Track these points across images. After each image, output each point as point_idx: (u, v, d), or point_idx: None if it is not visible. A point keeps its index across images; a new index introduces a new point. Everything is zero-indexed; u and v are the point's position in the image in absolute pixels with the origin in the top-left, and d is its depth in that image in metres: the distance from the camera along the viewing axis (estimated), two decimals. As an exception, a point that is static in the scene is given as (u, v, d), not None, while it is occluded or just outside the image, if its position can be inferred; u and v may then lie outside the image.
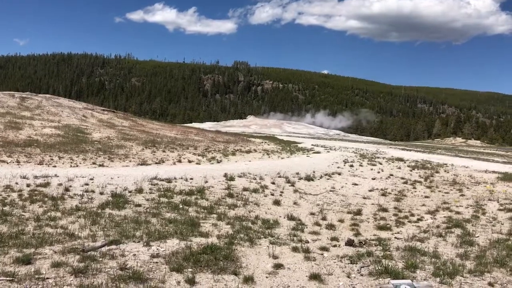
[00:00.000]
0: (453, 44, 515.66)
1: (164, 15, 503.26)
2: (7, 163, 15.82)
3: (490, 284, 5.87)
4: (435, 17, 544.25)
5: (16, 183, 11.57)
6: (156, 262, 6.14)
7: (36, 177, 12.65)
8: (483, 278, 6.08)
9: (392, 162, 25.61)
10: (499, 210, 11.50)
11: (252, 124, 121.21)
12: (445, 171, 21.60)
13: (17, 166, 15.47)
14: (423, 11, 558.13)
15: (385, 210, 12.11)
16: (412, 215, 11.59)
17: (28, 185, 11.45)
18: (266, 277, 5.97)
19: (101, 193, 11.15)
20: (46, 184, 11.70)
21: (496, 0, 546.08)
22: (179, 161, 20.71)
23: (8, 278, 5.22)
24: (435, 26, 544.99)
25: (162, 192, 11.77)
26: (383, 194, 14.63)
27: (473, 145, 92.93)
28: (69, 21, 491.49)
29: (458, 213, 11.42)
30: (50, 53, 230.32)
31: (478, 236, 8.68)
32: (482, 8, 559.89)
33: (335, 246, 7.89)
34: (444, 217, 10.96)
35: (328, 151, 33.67)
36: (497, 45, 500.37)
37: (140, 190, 11.81)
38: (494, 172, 21.15)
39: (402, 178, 18.39)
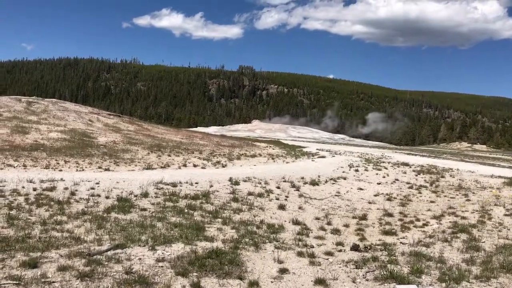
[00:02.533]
0: (459, 49, 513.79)
1: (171, 20, 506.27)
2: (14, 167, 15.92)
3: (496, 289, 5.84)
4: (441, 22, 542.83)
5: (23, 187, 11.64)
6: (162, 266, 6.16)
7: (42, 181, 12.73)
8: (489, 283, 6.04)
9: (398, 166, 25.53)
10: (505, 215, 11.44)
11: (257, 128, 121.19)
12: (450, 176, 21.51)
13: (23, 170, 15.56)
14: (429, 16, 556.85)
15: (390, 215, 12.07)
16: (418, 220, 11.54)
17: (34, 189, 11.52)
18: (271, 281, 5.97)
19: (107, 197, 11.20)
20: (52, 188, 11.77)
21: (504, 6, 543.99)
22: (185, 165, 20.75)
23: (14, 282, 5.26)
24: (441, 31, 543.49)
25: (168, 196, 11.80)
26: (389, 199, 14.59)
27: (479, 149, 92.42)
28: (77, 26, 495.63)
29: (463, 218, 11.36)
30: (56, 57, 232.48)
31: (484, 242, 8.64)
32: (489, 13, 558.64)
33: (340, 251, 7.87)
34: (450, 222, 10.92)
35: (333, 156, 33.62)
36: (503, 50, 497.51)
37: (145, 194, 11.85)
38: (500, 177, 21.05)
39: (408, 183, 18.33)
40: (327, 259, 7.19)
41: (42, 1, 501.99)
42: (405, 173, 22.18)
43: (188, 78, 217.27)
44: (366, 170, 22.60)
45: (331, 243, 8.54)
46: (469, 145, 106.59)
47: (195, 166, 20.86)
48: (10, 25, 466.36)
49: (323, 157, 31.64)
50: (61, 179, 13.32)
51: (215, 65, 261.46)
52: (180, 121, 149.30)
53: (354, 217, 11.60)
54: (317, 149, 42.45)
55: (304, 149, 40.23)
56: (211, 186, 13.97)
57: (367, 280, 6.12)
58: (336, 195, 14.69)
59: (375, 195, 15.22)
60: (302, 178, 17.35)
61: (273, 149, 37.00)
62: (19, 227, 7.90)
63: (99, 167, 17.71)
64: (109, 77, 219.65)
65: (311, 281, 6.02)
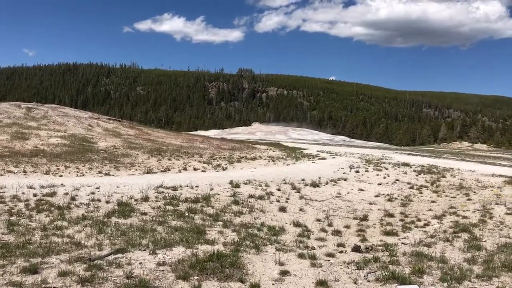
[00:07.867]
0: (459, 49, 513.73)
1: (171, 25, 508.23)
2: (14, 173, 15.92)
3: (498, 288, 5.82)
4: (442, 22, 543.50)
5: (23, 193, 11.63)
6: (162, 270, 6.15)
7: (42, 186, 12.72)
8: (491, 282, 6.02)
9: (398, 167, 25.52)
10: (507, 214, 11.41)
11: (257, 131, 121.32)
12: (451, 175, 21.48)
13: (23, 176, 15.56)
14: (430, 17, 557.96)
15: (391, 215, 12.04)
16: (419, 220, 11.51)
17: (34, 195, 11.50)
18: (273, 284, 5.96)
19: (107, 202, 11.18)
20: (53, 194, 11.75)
21: (506, 5, 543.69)
22: (185, 169, 20.74)
23: (15, 288, 5.24)
24: (442, 31, 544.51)
25: (168, 200, 11.79)
26: (389, 200, 14.56)
27: (479, 149, 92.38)
28: (78, 31, 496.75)
29: (465, 217, 11.33)
30: (55, 63, 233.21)
31: (485, 241, 8.62)
32: (491, 14, 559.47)
33: (341, 252, 7.86)
34: (451, 221, 10.89)
35: (334, 157, 33.63)
36: (504, 49, 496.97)
37: (146, 199, 11.83)
38: (501, 176, 21.02)
39: (408, 183, 18.31)
40: (328, 260, 7.17)
41: (43, 6, 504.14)
42: (405, 173, 22.16)
43: (187, 81, 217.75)
44: (366, 171, 22.59)
45: (332, 244, 8.52)
46: (470, 144, 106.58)
47: (195, 169, 20.85)
48: (11, 31, 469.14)
49: (324, 158, 31.64)
50: (61, 184, 13.31)
51: (215, 69, 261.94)
52: (180, 125, 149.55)
53: (355, 218, 11.58)
54: (317, 151, 42.48)
55: (305, 151, 40.24)
56: (211, 189, 13.96)
57: (368, 281, 6.10)
58: (336, 197, 14.67)
59: (376, 196, 15.20)
60: (303, 180, 17.33)
61: (274, 151, 37.00)
62: (19, 233, 7.88)
63: (99, 172, 17.71)
64: (109, 82, 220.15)
65: (313, 282, 6.00)
